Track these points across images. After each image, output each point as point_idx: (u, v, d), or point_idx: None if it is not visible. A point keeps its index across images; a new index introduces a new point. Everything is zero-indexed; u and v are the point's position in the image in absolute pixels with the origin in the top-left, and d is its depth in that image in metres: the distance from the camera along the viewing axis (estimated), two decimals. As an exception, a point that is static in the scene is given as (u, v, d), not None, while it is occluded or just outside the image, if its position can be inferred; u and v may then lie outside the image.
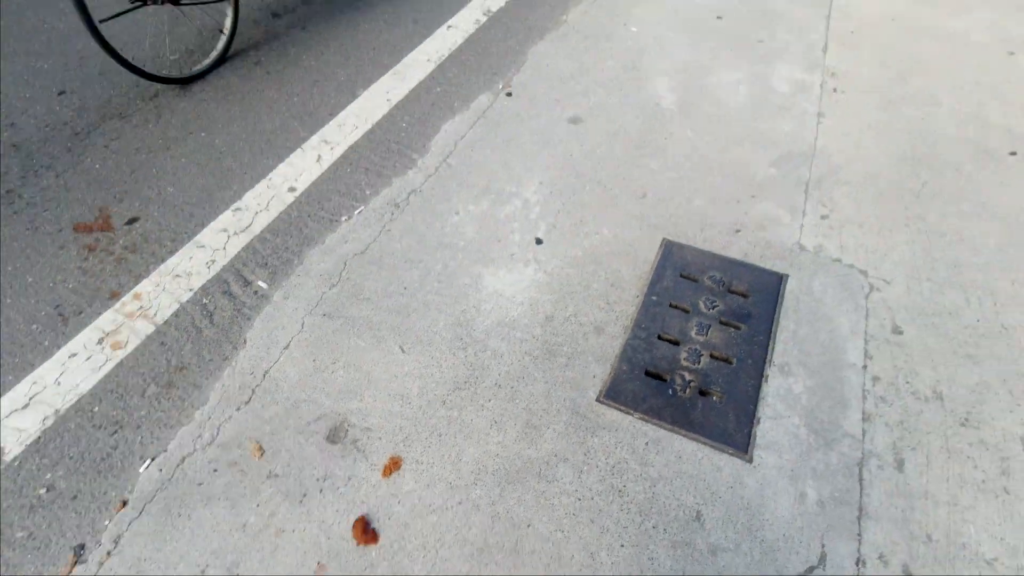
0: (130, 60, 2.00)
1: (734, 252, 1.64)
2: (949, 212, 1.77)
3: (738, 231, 1.70)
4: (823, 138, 2.02)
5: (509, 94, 2.20)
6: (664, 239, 1.66)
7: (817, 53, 2.45)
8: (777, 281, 1.56)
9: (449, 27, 2.56)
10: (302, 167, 1.87)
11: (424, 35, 2.50)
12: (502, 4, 2.74)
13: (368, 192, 1.79)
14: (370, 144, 1.96)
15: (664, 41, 2.52)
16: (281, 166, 1.87)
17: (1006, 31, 2.59)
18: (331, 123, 2.04)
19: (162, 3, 2.07)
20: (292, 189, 1.80)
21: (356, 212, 1.73)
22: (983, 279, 1.58)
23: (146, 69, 2.05)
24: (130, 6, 2.02)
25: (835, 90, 2.25)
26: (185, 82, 2.19)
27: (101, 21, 1.92)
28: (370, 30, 2.52)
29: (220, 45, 2.28)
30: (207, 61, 2.25)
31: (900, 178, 1.88)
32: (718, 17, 2.68)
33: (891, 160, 1.94)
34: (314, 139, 1.97)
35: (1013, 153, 1.98)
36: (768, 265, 1.61)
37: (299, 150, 1.93)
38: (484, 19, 2.63)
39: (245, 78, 2.24)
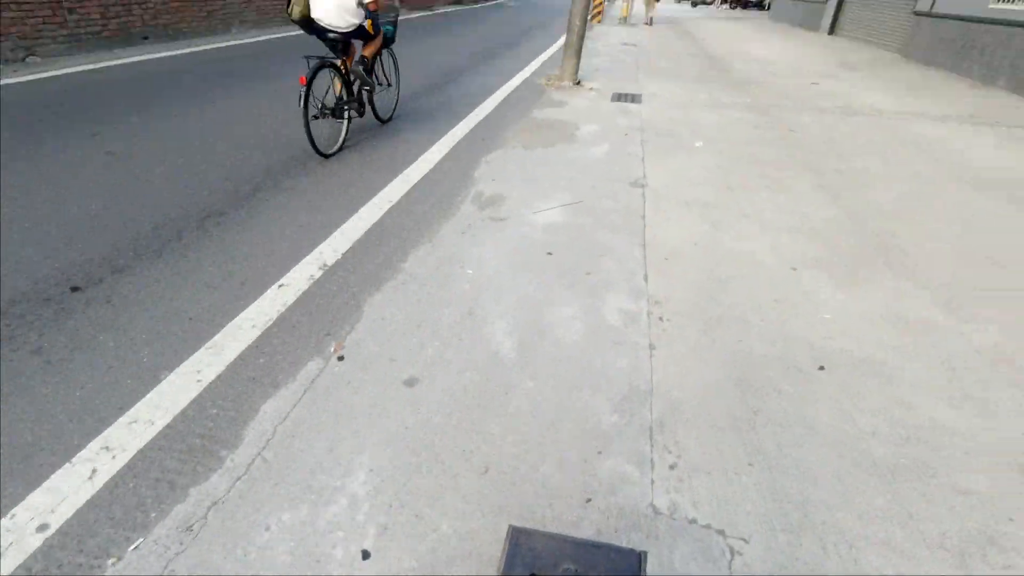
0: (314, 145, 3.82)
1: (587, 529, 1.48)
2: (784, 441, 1.80)
3: (589, 500, 1.56)
4: (658, 372, 2.07)
5: (341, 358, 2.07)
6: (511, 527, 1.47)
7: (640, 282, 2.67)
8: (636, 562, 1.40)
9: (281, 286, 2.48)
10: (66, 491, 1.51)
11: (251, 297, 2.39)
12: (339, 256, 2.75)
13: (153, 515, 1.46)
14: (167, 443, 1.67)
15: (500, 281, 2.62)
16: (35, 494, 1.49)
17: (784, 252, 3.04)
18: (120, 421, 1.73)
19: (326, 117, 3.98)
20: (43, 527, 1.41)
21: (131, 548, 1.38)
22: (832, 519, 1.55)
23: (319, 149, 3.89)
24: (312, 118, 3.76)
25: (660, 319, 2.40)
26: (327, 157, 4.02)
27: (310, 119, 3.72)
28: (190, 298, 2.36)
29: (340, 140, 4.19)
30: (335, 148, 4.12)
31: (733, 408, 1.92)
32: (548, 253, 2.89)
33: (721, 388, 2.01)
34: (92, 446, 1.64)
35: (821, 368, 2.15)
36: (624, 540, 1.46)
37: (68, 465, 1.58)
38: (319, 273, 2.60)
39: (15, 372, 1.91)
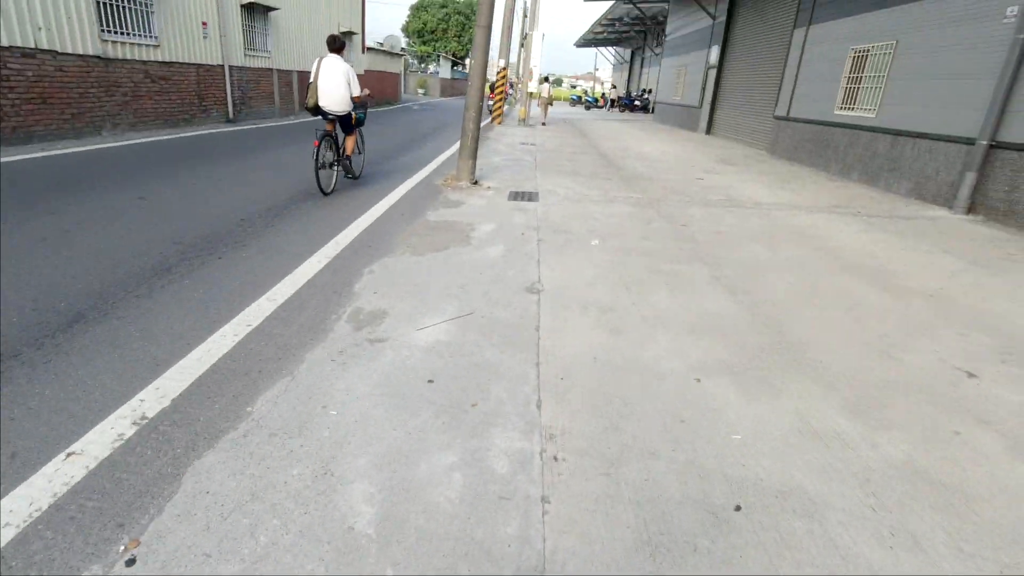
0: (320, 186, 5.85)
1: None
2: (707, 625, 1.44)
3: None
4: (552, 537, 1.69)
5: (131, 561, 1.52)
6: None
7: (532, 410, 2.33)
8: None
9: (70, 455, 1.91)
10: None
11: (18, 478, 1.79)
12: (165, 404, 2.22)
13: None
14: None
15: (368, 423, 2.19)
16: None
17: (687, 357, 2.85)
18: None
19: (330, 167, 6.11)
20: None
21: None
22: None
23: (323, 189, 5.90)
24: (319, 168, 5.79)
25: (556, 458, 2.04)
26: (327, 194, 5.96)
27: (319, 169, 5.79)
28: (-77, 488, 1.73)
29: (333, 183, 6.14)
30: (330, 190, 6.05)
31: (644, 581, 1.56)
32: (429, 380, 2.51)
33: (629, 552, 1.65)
34: None
35: (738, 508, 1.86)
36: None
37: None
38: (132, 431, 2.05)
39: None
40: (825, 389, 2.64)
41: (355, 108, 6.18)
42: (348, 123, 6.21)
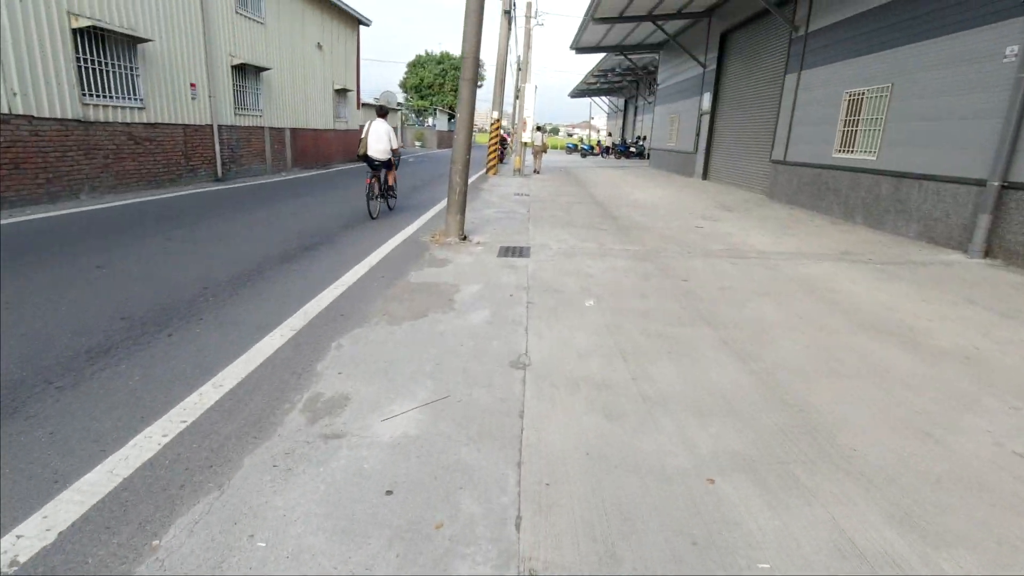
0: (370, 213, 8.20)
1: None
2: None
3: None
4: None
5: None
6: None
7: (510, 532, 1.89)
8: None
9: (-101, 630, 1.46)
10: None
11: None
12: (50, 540, 1.78)
13: None
14: None
15: (303, 558, 1.74)
16: None
17: (695, 447, 2.42)
18: None
19: (376, 199, 8.37)
20: None
21: None
22: None
23: (372, 215, 8.19)
24: (370, 200, 8.20)
25: (536, 609, 1.59)
26: (374, 218, 8.18)
27: (370, 200, 8.19)
28: None
29: (378, 211, 8.41)
30: (375, 215, 8.26)
31: None
32: (388, 492, 2.08)
33: None
34: None
35: None
36: None
37: None
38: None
39: None
40: (865, 489, 2.19)
41: (393, 154, 8.42)
42: (389, 166, 8.50)
